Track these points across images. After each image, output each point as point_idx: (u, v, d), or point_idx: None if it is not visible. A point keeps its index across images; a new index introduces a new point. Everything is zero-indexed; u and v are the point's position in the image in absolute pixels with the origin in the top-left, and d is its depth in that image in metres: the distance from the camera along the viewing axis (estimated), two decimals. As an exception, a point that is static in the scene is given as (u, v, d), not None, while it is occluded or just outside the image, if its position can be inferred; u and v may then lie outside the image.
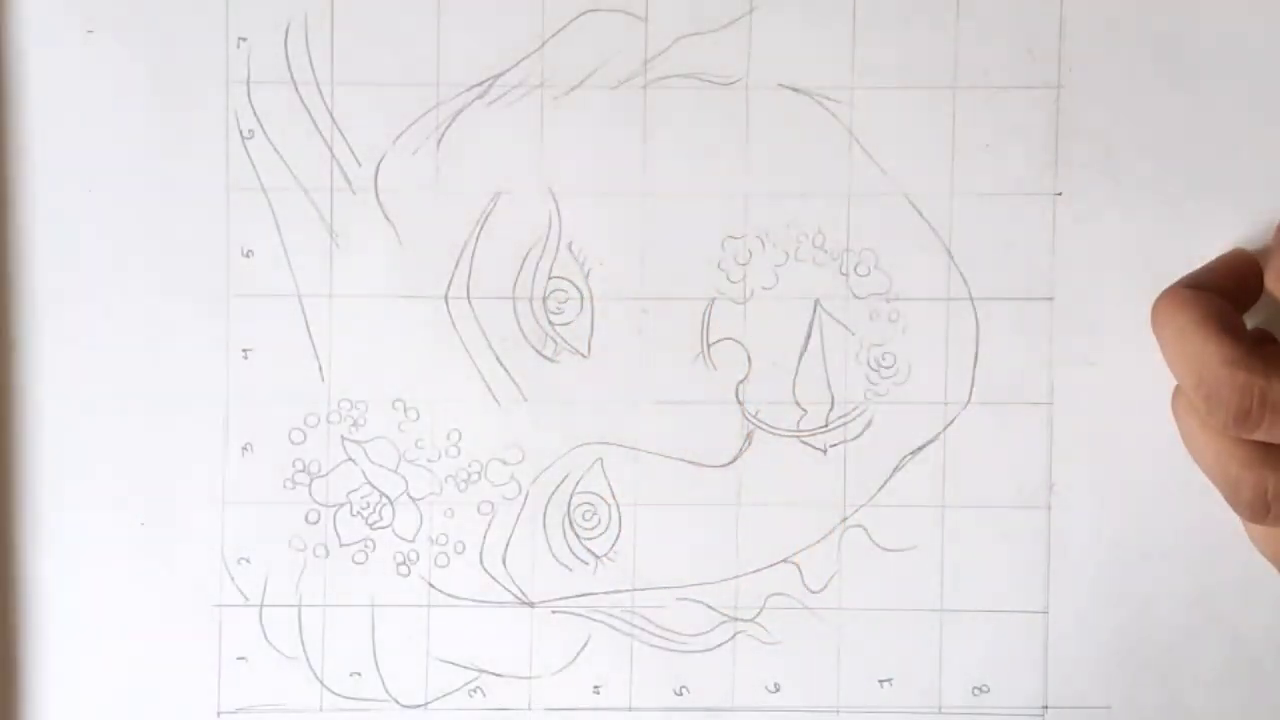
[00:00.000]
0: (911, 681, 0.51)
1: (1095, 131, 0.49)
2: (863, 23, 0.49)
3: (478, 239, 0.50)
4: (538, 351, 0.50)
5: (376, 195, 0.50)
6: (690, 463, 0.50)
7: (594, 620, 0.50)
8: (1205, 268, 0.47)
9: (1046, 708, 0.50)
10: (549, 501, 0.50)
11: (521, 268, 0.50)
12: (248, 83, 0.49)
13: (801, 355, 0.50)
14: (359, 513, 0.50)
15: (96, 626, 0.50)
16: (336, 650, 0.50)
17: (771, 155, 0.50)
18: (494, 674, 0.51)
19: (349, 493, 0.50)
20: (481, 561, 0.50)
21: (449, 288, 0.50)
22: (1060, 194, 0.50)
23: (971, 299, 0.50)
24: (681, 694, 0.51)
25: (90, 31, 0.49)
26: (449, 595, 0.50)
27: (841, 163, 0.50)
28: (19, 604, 0.50)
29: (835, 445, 0.50)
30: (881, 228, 0.50)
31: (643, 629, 0.50)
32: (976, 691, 0.51)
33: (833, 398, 0.50)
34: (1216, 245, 0.48)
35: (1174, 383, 0.46)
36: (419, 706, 0.51)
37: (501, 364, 0.50)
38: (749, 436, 0.50)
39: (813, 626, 0.51)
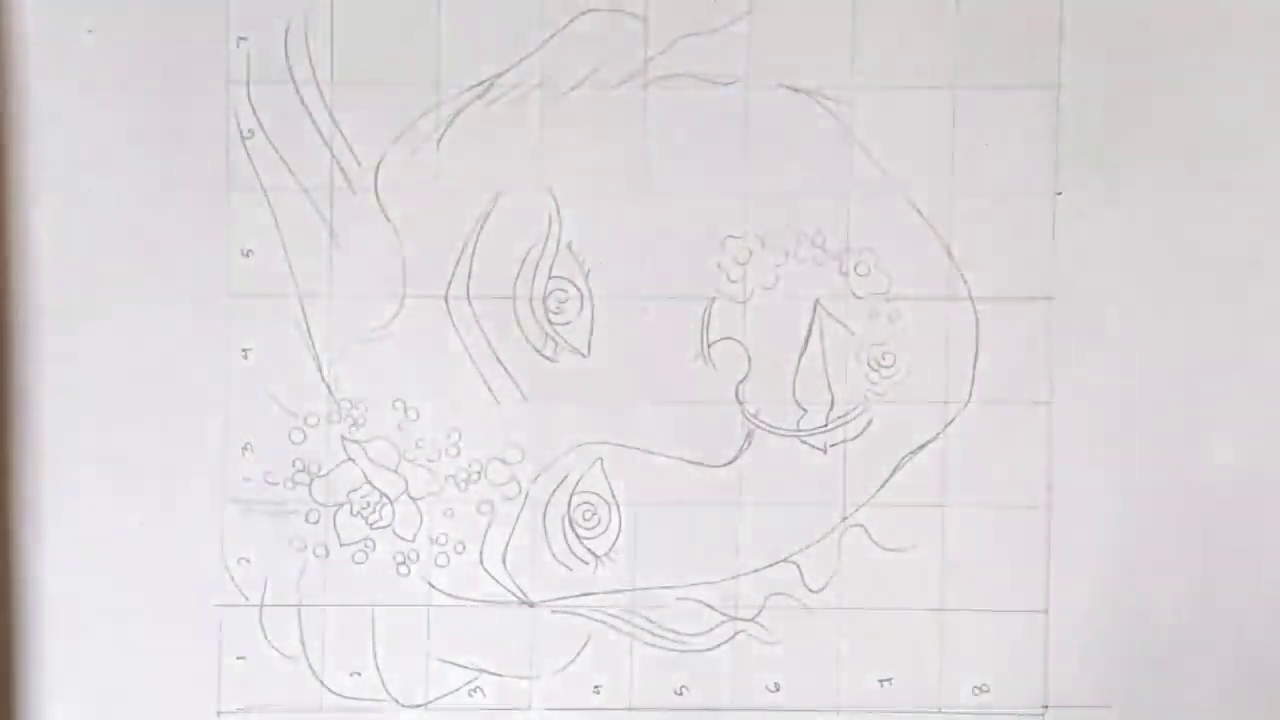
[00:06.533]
0: (911, 681, 0.51)
1: (1095, 131, 0.49)
2: (862, 23, 0.49)
3: (478, 239, 0.50)
4: (538, 351, 0.50)
5: (376, 195, 0.50)
6: (690, 462, 0.50)
7: (594, 620, 0.50)
8: None
9: (1046, 708, 0.50)
10: (549, 501, 0.50)
11: (521, 267, 0.50)
12: (248, 82, 0.49)
13: (801, 355, 0.50)
14: (359, 513, 0.50)
15: (97, 627, 0.50)
16: (336, 650, 0.50)
17: (771, 155, 0.50)
18: (494, 674, 0.51)
19: (349, 493, 0.50)
20: (481, 561, 0.50)
21: (449, 287, 0.50)
22: (1060, 194, 0.50)
23: (971, 299, 0.50)
24: (681, 694, 0.51)
25: (91, 31, 0.49)
26: (449, 595, 0.50)
27: (841, 163, 0.50)
28: (19, 604, 0.50)
29: (835, 445, 0.50)
30: (881, 228, 0.50)
31: (643, 629, 0.50)
32: (976, 691, 0.50)
33: (833, 397, 0.50)
34: (1216, 245, 0.48)
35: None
36: (419, 706, 0.51)
37: (501, 364, 0.50)
38: (749, 436, 0.50)
39: (813, 626, 0.50)
